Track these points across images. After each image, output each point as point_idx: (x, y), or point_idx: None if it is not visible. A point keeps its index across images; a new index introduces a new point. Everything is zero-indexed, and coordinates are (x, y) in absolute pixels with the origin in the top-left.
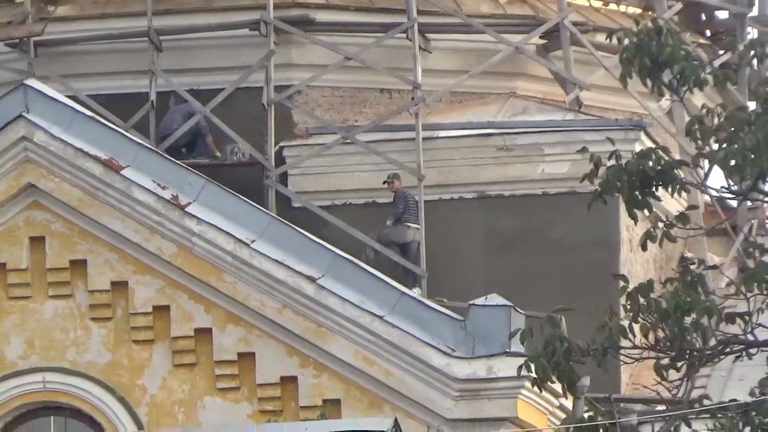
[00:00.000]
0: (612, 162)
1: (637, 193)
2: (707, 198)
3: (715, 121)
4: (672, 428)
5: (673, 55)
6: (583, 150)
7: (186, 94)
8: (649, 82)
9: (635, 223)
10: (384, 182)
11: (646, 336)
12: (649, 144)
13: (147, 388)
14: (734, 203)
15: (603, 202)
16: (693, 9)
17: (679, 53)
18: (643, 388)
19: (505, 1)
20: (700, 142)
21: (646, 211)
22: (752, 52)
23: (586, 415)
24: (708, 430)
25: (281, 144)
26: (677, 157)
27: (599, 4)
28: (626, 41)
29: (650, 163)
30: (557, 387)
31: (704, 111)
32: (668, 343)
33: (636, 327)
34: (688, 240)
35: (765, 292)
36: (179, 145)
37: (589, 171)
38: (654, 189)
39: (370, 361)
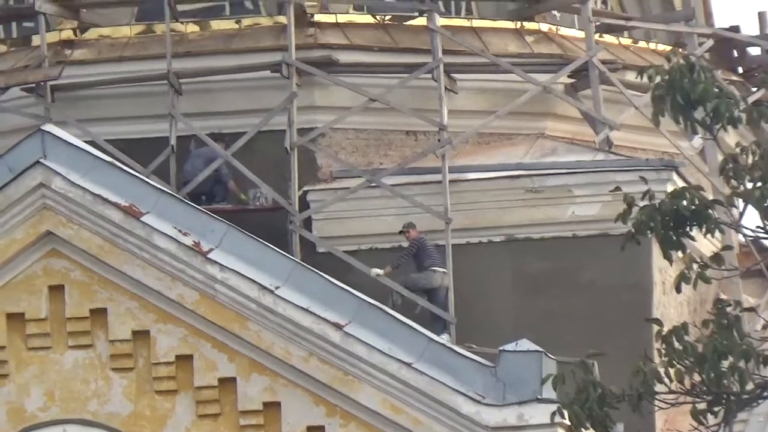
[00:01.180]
0: (645, 202)
1: (671, 233)
2: (741, 238)
3: (750, 159)
4: None
5: (706, 92)
6: (616, 189)
7: (207, 138)
8: (681, 121)
9: (670, 264)
10: (400, 232)
11: (681, 381)
12: (682, 184)
13: None
14: None
15: (636, 242)
16: (725, 45)
17: (712, 90)
18: None
19: (533, 39)
20: (734, 181)
21: (679, 253)
22: None
23: None
24: None
25: (305, 188)
26: (710, 196)
27: (628, 42)
28: (657, 79)
29: (684, 203)
30: None
31: (738, 149)
32: (705, 388)
33: (671, 371)
34: (722, 282)
35: None
36: (199, 192)
37: (622, 211)
38: (688, 229)
39: (398, 409)
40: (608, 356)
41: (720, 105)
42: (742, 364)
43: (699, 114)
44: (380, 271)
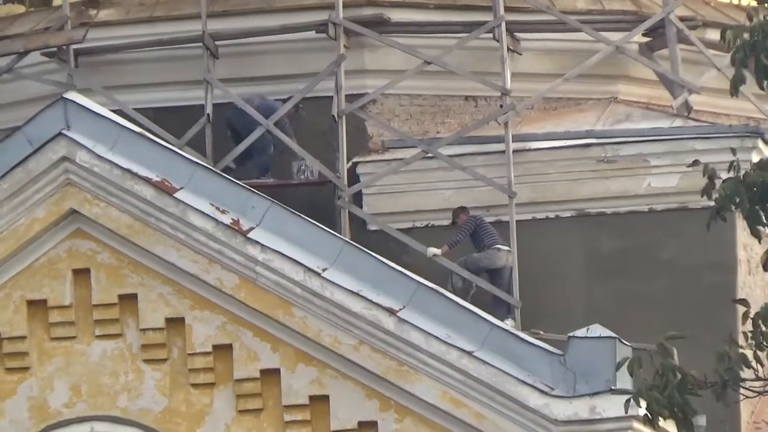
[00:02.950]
0: (730, 174)
1: (757, 207)
2: None
3: None
4: None
5: None
6: (695, 163)
7: (246, 105)
8: (766, 85)
9: (758, 241)
10: (452, 222)
11: None
12: None
13: None
14: None
15: (722, 219)
16: None
17: None
18: (766, 426)
19: None
20: None
21: (767, 229)
22: None
23: None
24: None
25: (354, 160)
26: None
27: None
28: (738, 40)
29: None
30: (670, 427)
31: None
32: None
33: (760, 356)
34: None
35: None
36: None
37: (705, 185)
38: None
39: (459, 402)
40: (689, 341)
41: None
42: None
43: None
44: (437, 251)
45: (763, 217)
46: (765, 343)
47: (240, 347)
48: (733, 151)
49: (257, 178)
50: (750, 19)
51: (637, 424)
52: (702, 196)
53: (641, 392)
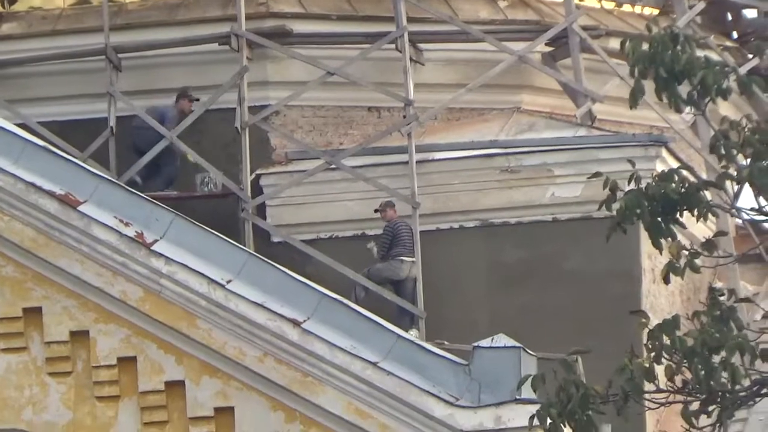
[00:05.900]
0: (631, 185)
1: (659, 219)
2: (739, 221)
3: (741, 135)
4: None
5: (691, 64)
6: (597, 175)
7: (149, 118)
8: (665, 98)
9: (660, 252)
10: (376, 210)
11: (671, 378)
12: (672, 161)
13: None
14: None
15: (622, 231)
16: (717, 8)
17: (698, 61)
18: None
19: (506, 5)
20: (724, 161)
21: (670, 240)
22: None
23: None
24: None
25: (258, 172)
26: (704, 174)
27: (612, 6)
28: (637, 51)
29: (672, 186)
30: None
31: (727, 124)
32: (697, 386)
33: (660, 368)
34: (718, 268)
35: None
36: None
37: (606, 197)
38: (678, 214)
39: (364, 413)
40: (594, 352)
41: (707, 76)
42: (736, 358)
43: (686, 87)
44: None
45: (665, 229)
46: (665, 356)
47: (144, 360)
48: (632, 162)
49: (162, 190)
50: (649, 30)
51: None
52: (599, 209)
53: (543, 408)
